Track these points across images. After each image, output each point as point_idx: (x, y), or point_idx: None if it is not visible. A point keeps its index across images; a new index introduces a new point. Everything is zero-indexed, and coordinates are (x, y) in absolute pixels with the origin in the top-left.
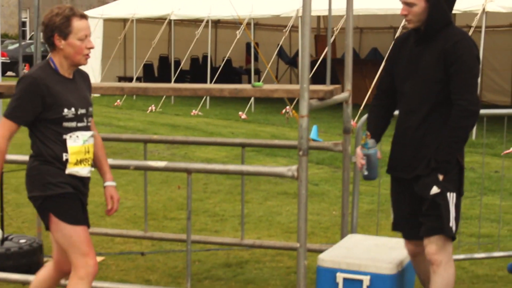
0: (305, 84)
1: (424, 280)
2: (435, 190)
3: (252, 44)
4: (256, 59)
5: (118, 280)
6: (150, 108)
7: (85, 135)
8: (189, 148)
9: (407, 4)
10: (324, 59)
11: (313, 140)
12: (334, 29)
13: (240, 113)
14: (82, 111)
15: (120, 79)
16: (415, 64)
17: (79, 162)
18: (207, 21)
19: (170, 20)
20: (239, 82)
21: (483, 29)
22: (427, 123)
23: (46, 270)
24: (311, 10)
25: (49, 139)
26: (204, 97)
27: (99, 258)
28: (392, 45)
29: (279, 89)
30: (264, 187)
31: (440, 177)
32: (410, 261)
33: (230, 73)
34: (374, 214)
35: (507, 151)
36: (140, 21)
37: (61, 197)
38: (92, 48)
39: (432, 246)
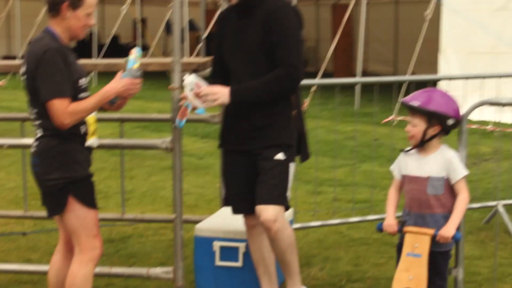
0: (177, 57)
1: (258, 260)
2: (280, 156)
3: (138, 21)
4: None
5: None
6: None
7: None
8: None
9: None
10: (212, 33)
11: (198, 113)
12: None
13: None
14: (86, 80)
15: (5, 58)
16: (239, 39)
17: (94, 132)
18: None
19: None
20: None
21: (364, 1)
22: None
23: (59, 254)
24: None
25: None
26: (92, 75)
27: None
28: (215, 22)
29: (153, 63)
30: (149, 163)
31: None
32: (247, 238)
33: (117, 50)
34: None
35: (387, 119)
36: None
37: (83, 180)
38: (92, 25)
39: (269, 212)
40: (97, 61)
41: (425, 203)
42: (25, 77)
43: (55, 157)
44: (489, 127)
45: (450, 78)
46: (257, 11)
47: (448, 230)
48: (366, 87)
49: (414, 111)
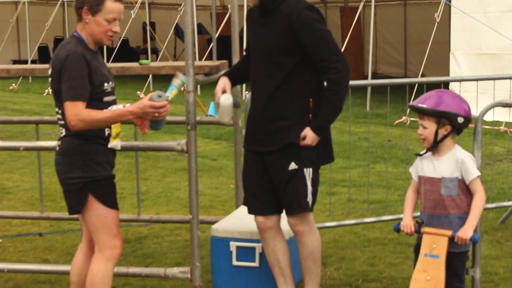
0: (190, 60)
1: (273, 262)
2: (293, 166)
3: (147, 25)
4: (153, 38)
5: (15, 261)
6: (46, 90)
7: (119, 107)
8: None
9: None
10: (220, 36)
11: (211, 116)
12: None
13: (138, 92)
14: (113, 84)
15: (15, 62)
16: (258, 39)
17: (117, 135)
18: None
19: (63, 1)
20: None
21: (372, 3)
22: (277, 97)
23: (82, 253)
24: None
25: None
26: None
27: None
28: (246, 17)
29: (166, 66)
30: (163, 164)
31: (311, 139)
32: (261, 241)
33: (127, 53)
34: None
35: (399, 121)
36: (32, 3)
37: (104, 180)
38: (117, 32)
39: (292, 218)
40: (110, 65)
41: (439, 204)
42: (51, 80)
43: (77, 156)
44: (502, 128)
45: (462, 80)
46: (277, 13)
47: (466, 232)
48: (376, 89)
49: (423, 113)
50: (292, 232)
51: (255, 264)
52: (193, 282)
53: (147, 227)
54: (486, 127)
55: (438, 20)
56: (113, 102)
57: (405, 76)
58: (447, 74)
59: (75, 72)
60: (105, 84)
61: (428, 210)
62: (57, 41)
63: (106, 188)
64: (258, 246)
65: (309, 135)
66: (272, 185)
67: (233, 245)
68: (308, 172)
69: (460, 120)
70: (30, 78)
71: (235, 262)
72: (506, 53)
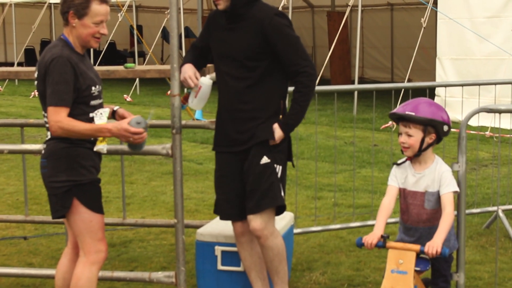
0: (175, 64)
1: (249, 266)
2: (265, 159)
3: (134, 28)
4: (140, 42)
5: None
6: (32, 93)
7: (106, 111)
8: None
9: None
10: None
11: (197, 120)
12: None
13: (125, 96)
14: (100, 87)
15: (1, 64)
16: (228, 44)
17: (103, 139)
18: None
19: (50, 4)
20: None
21: (359, 8)
22: (248, 99)
23: (67, 258)
24: None
25: (77, 120)
26: None
27: None
28: (206, 19)
29: (151, 70)
30: (149, 168)
31: (278, 134)
32: (237, 245)
33: (114, 56)
34: None
35: (385, 125)
36: (18, 5)
37: (89, 184)
38: (104, 34)
39: (257, 221)
40: (96, 68)
41: (423, 217)
42: (36, 83)
43: (62, 159)
44: (487, 133)
45: (447, 85)
46: (246, 18)
47: (436, 243)
48: (362, 94)
49: (408, 121)
50: (256, 236)
51: (240, 268)
52: (178, 286)
53: (133, 231)
54: (472, 132)
55: (424, 25)
56: (100, 106)
57: (392, 81)
58: (433, 79)
59: (59, 77)
60: (92, 88)
61: (414, 223)
62: (44, 43)
63: (91, 192)
64: None
65: (276, 131)
66: (245, 189)
67: (218, 250)
68: (278, 169)
69: (445, 128)
70: (16, 80)
71: (220, 267)
72: (492, 58)
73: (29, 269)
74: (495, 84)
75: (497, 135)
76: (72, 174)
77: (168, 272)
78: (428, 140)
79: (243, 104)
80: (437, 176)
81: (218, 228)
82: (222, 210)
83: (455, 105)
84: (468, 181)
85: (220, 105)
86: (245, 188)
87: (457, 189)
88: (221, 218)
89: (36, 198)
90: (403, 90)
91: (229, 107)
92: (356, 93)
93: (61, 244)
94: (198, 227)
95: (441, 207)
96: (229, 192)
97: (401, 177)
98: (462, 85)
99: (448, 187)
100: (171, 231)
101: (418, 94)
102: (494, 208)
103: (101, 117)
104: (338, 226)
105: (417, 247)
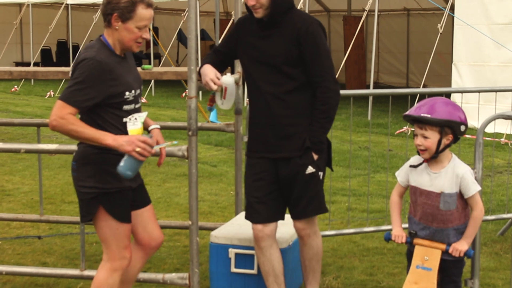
0: (193, 66)
1: (268, 271)
2: (310, 169)
3: (150, 29)
4: (156, 43)
5: (14, 264)
6: (48, 93)
7: (142, 116)
8: None
9: None
10: None
11: (212, 122)
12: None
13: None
14: (138, 91)
15: (17, 64)
16: (263, 50)
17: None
18: None
19: (67, 5)
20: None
21: (376, 13)
22: (287, 105)
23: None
24: None
25: (108, 124)
26: None
27: None
28: (235, 25)
29: (168, 72)
30: (163, 170)
31: (315, 157)
32: (256, 249)
33: None
34: None
35: (400, 130)
36: (36, 5)
37: (117, 193)
38: (147, 39)
39: (301, 222)
40: None
41: (437, 218)
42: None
43: (90, 165)
44: (503, 140)
45: (464, 91)
46: (282, 25)
47: (462, 244)
48: (378, 98)
49: (424, 123)
50: (299, 235)
51: (254, 271)
52: None
53: None
54: (487, 138)
55: (441, 31)
56: (136, 110)
57: (407, 86)
58: (449, 85)
59: (82, 77)
60: (126, 93)
61: (426, 222)
62: (61, 44)
63: (118, 201)
64: None
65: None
66: (279, 193)
67: (232, 252)
68: (321, 175)
69: (463, 128)
70: (32, 80)
71: (233, 269)
72: (509, 65)
73: (43, 268)
74: (511, 90)
75: None
76: (99, 181)
77: (182, 273)
78: (445, 141)
79: (282, 109)
80: (456, 177)
81: (233, 230)
82: (254, 212)
83: (471, 111)
84: (483, 188)
85: (254, 111)
86: (283, 193)
87: (479, 188)
88: (253, 221)
89: (50, 197)
90: (418, 95)
91: (266, 112)
92: (371, 98)
93: (75, 244)
94: (212, 229)
95: (469, 208)
96: (263, 196)
97: (414, 176)
98: (478, 91)
99: (472, 188)
100: (184, 233)
101: None
102: (509, 215)
103: (134, 123)
104: (351, 230)
105: (443, 245)
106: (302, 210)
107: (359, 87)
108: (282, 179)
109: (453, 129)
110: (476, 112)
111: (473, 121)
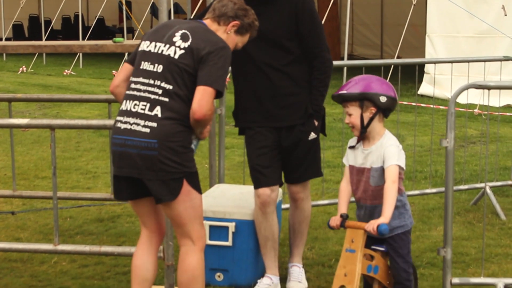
0: None
1: (267, 236)
2: (312, 135)
3: (123, 3)
4: (129, 17)
5: None
6: (21, 69)
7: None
8: (62, 108)
9: None
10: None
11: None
12: None
13: (113, 71)
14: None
15: None
16: (260, 27)
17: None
18: None
19: None
20: None
21: None
22: (287, 76)
23: (142, 249)
24: None
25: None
26: (77, 57)
27: None
28: None
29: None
30: None
31: (316, 123)
32: (259, 216)
33: (103, 32)
34: (246, 165)
35: None
36: None
37: (196, 172)
38: (238, 48)
39: (297, 186)
40: (84, 43)
41: (370, 195)
42: (183, 53)
43: (179, 143)
44: (476, 110)
45: (436, 62)
46: (277, 1)
47: (376, 220)
48: (352, 70)
49: (345, 100)
50: (293, 198)
51: (228, 243)
52: (165, 261)
53: (121, 206)
54: (461, 109)
55: (414, 2)
56: None
57: (381, 58)
58: (423, 56)
59: (224, 63)
60: None
61: (362, 201)
62: (32, 19)
63: (197, 176)
64: (231, 225)
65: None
66: (279, 158)
67: (206, 224)
68: (318, 140)
69: (383, 99)
70: (4, 55)
71: (208, 241)
72: (483, 36)
73: (17, 243)
74: (484, 61)
75: (486, 112)
76: (186, 159)
77: None
78: (368, 114)
79: (282, 80)
80: (382, 151)
81: (207, 203)
82: (259, 177)
83: (444, 82)
84: (456, 158)
85: (252, 85)
86: (284, 159)
87: (400, 164)
88: (259, 186)
89: (24, 173)
90: (392, 66)
91: (264, 84)
92: (345, 69)
93: (49, 219)
94: None
95: (402, 184)
96: (269, 163)
97: (352, 156)
98: (451, 62)
99: (389, 160)
100: None
101: (407, 71)
102: (482, 185)
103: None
104: (326, 201)
105: (364, 224)
106: (301, 174)
107: (333, 59)
108: (284, 146)
109: (372, 101)
110: (449, 84)
111: (447, 92)
